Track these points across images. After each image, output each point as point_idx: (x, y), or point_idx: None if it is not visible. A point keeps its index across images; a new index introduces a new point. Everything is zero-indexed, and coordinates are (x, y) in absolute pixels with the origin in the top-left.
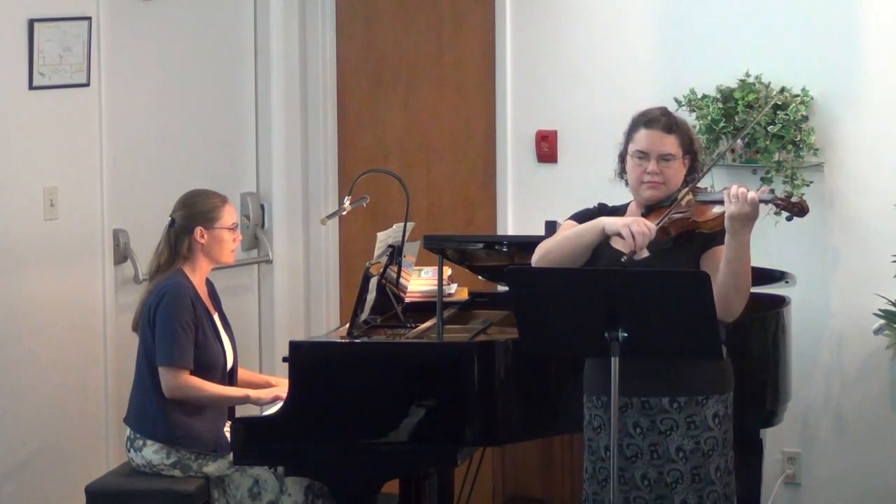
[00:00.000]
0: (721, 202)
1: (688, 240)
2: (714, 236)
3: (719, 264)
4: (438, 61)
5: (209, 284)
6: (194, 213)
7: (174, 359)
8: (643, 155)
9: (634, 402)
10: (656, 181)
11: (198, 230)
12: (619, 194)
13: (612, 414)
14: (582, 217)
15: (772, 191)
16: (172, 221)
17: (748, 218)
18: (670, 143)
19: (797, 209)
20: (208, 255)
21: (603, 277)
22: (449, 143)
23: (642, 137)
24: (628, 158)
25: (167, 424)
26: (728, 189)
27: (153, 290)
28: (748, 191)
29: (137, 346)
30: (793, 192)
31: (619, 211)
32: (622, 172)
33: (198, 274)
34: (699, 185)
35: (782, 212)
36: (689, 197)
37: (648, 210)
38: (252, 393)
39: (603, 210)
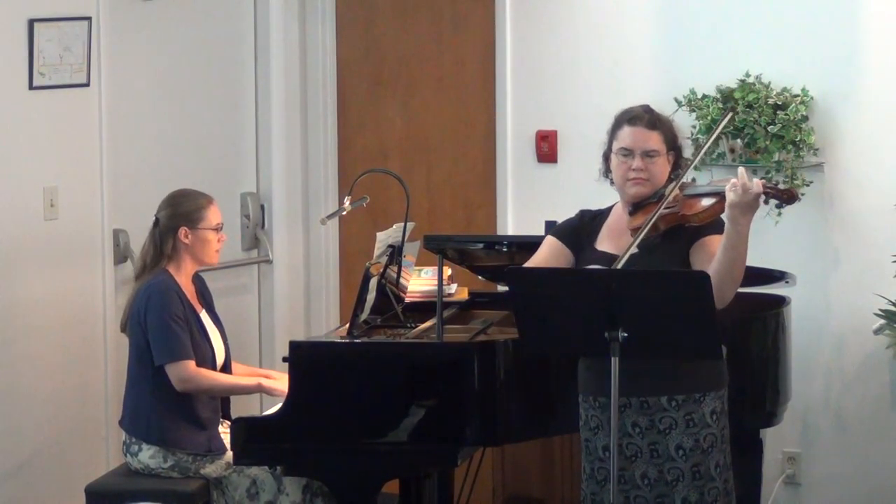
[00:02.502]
0: (709, 195)
1: (676, 234)
2: (701, 228)
3: (710, 254)
4: (438, 61)
5: (198, 281)
6: (178, 213)
7: (175, 353)
8: (628, 152)
9: (633, 401)
10: (642, 178)
11: (182, 230)
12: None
13: (612, 414)
14: (562, 232)
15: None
16: (157, 221)
17: (749, 206)
18: (654, 140)
19: (786, 196)
20: (192, 255)
21: (603, 277)
22: (449, 144)
23: (626, 135)
24: (613, 157)
25: (161, 427)
26: (727, 179)
27: (139, 291)
28: (746, 180)
29: (129, 349)
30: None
31: (602, 214)
32: (607, 172)
33: (183, 274)
34: (685, 179)
35: (772, 199)
36: (677, 192)
37: (635, 207)
38: (265, 381)
39: (583, 219)
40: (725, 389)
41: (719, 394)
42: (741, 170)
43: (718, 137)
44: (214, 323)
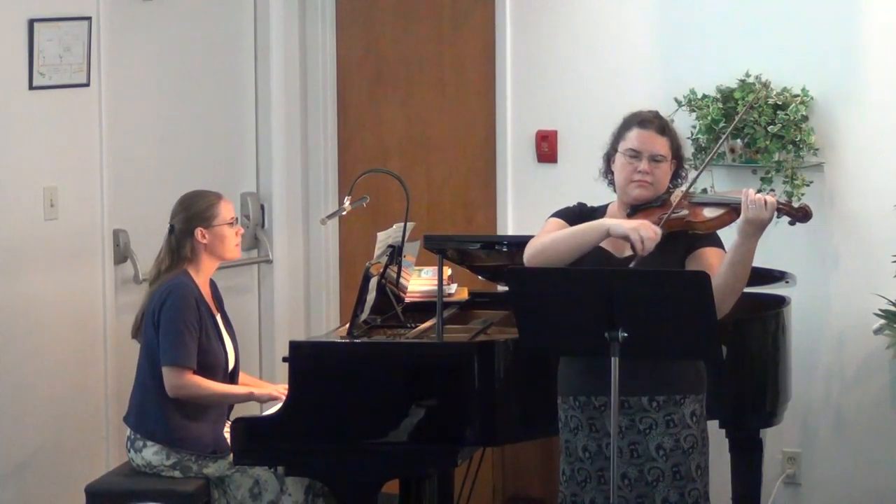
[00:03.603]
0: (718, 205)
1: (674, 240)
2: (701, 238)
3: (706, 267)
4: (438, 61)
5: (213, 285)
6: (192, 214)
7: (178, 359)
8: (635, 154)
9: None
10: (646, 181)
11: (198, 231)
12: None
13: (612, 413)
14: (566, 215)
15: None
16: (172, 228)
17: (764, 224)
18: (662, 145)
19: (801, 214)
20: (213, 253)
21: (603, 277)
22: (449, 144)
23: (635, 136)
24: (618, 157)
25: (167, 426)
26: (745, 194)
27: (156, 292)
28: (763, 196)
29: (140, 346)
30: (793, 193)
31: (597, 212)
32: (607, 172)
33: (202, 275)
34: (685, 189)
35: (785, 217)
36: (683, 199)
37: (633, 210)
38: (256, 390)
39: (583, 209)
40: (704, 394)
41: (699, 397)
42: (749, 191)
43: (718, 137)
44: (227, 327)
